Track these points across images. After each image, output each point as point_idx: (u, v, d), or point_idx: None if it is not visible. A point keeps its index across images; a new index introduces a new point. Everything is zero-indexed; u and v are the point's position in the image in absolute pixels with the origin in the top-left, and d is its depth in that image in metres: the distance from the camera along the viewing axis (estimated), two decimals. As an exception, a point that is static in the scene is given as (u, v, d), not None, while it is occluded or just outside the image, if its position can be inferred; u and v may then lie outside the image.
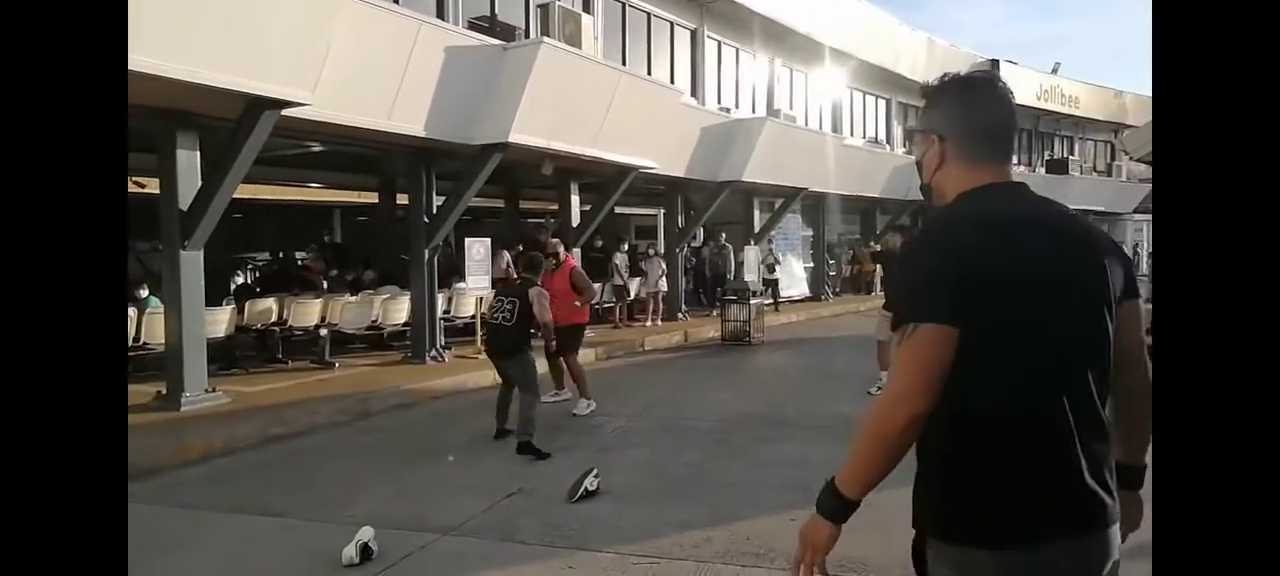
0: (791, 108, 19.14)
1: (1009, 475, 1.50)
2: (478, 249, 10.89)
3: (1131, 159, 15.05)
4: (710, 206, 15.79)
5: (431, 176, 10.43)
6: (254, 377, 9.37)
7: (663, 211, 18.35)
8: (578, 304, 7.97)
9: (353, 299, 10.61)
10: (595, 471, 5.21)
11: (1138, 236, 33.01)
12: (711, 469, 5.83)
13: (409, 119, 8.79)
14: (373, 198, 15.59)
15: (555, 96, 10.01)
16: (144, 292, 9.61)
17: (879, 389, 8.94)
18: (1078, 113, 30.63)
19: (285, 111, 7.15)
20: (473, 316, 11.21)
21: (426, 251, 10.39)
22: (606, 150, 11.31)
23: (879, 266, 13.23)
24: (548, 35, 10.39)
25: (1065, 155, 31.42)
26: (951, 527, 1.54)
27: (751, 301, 13.39)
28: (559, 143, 10.42)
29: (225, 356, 9.80)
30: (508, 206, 19.37)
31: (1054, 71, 30.12)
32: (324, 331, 10.22)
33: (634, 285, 14.79)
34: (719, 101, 17.12)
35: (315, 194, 15.94)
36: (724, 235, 18.23)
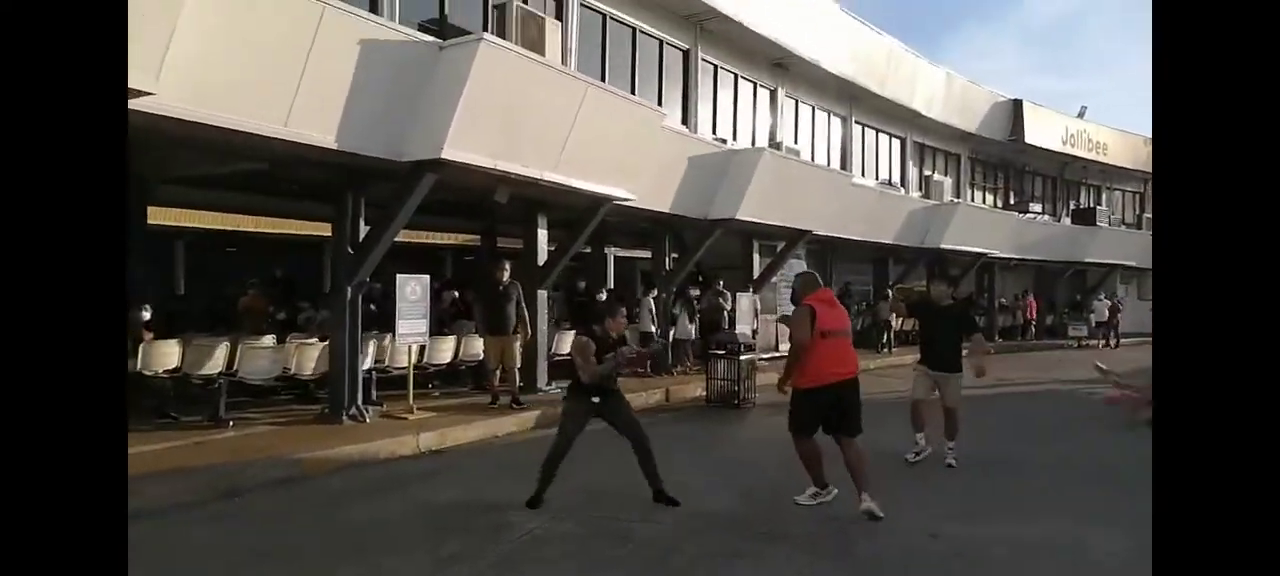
0: (796, 142, 17.54)
1: None
2: (412, 288, 9.22)
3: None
4: (701, 247, 14.10)
5: (358, 200, 8.81)
6: (118, 437, 7.65)
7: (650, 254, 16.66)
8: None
9: (258, 344, 8.93)
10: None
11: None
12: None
13: (315, 126, 7.19)
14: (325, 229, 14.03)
15: (503, 108, 8.41)
16: None
17: (917, 455, 7.35)
18: (1106, 160, 28.87)
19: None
20: (409, 367, 9.52)
21: (349, 289, 8.74)
22: (572, 176, 9.68)
23: (914, 319, 11.30)
24: (505, 39, 8.85)
25: (1093, 205, 29.63)
26: None
27: (742, 357, 11.65)
28: (510, 164, 8.80)
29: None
30: (486, 243, 17.94)
31: (1080, 115, 28.45)
32: (220, 382, 8.53)
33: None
34: (714, 132, 15.53)
35: (257, 224, 14.31)
36: (722, 282, 16.51)
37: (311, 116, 7.03)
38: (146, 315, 9.03)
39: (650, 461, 5.85)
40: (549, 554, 4.92)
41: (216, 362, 8.60)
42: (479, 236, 16.06)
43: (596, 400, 5.79)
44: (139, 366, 8.38)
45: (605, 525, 5.48)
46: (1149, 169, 29.92)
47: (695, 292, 16.94)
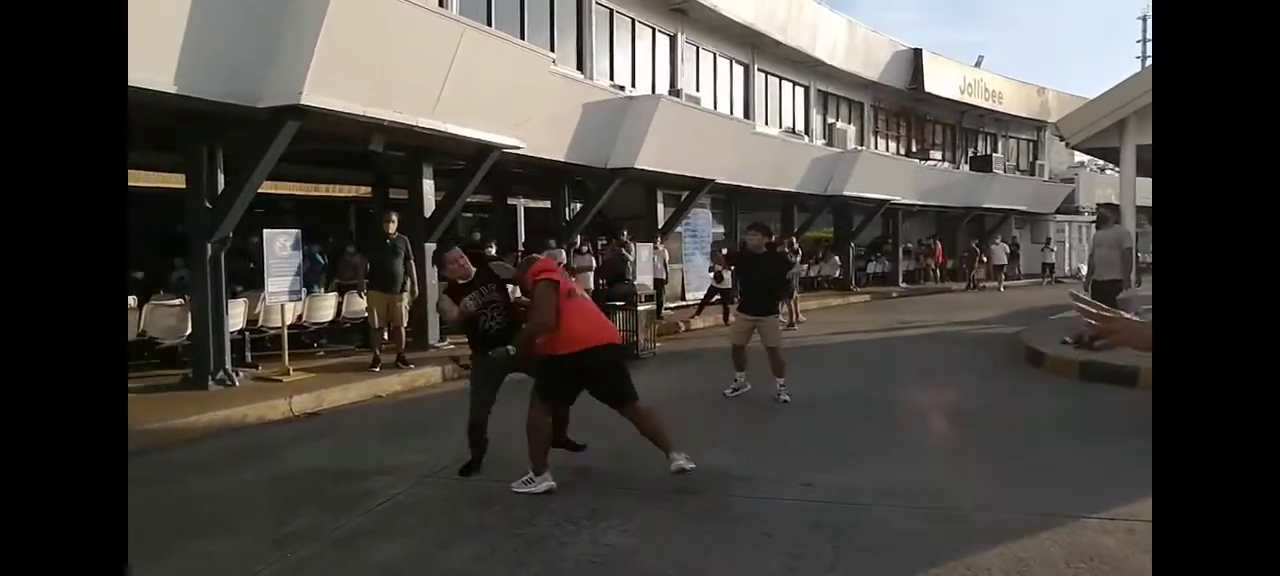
0: (698, 90, 17.30)
1: None
2: (281, 243, 8.64)
3: (1068, 145, 13.62)
4: (599, 198, 13.79)
5: (214, 151, 8.15)
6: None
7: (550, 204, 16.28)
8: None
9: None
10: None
11: (1061, 236, 32.38)
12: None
13: (148, 68, 6.53)
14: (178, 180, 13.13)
15: (370, 50, 7.86)
16: None
17: (734, 391, 7.86)
18: (1001, 109, 29.68)
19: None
20: (283, 327, 8.98)
21: (209, 246, 8.12)
22: (451, 123, 9.19)
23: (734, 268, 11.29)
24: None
25: (989, 152, 30.51)
26: None
27: (641, 308, 11.49)
28: (381, 111, 8.27)
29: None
30: (377, 195, 17.27)
31: (978, 65, 29.10)
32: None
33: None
34: (612, 79, 15.13)
35: (144, 179, 13.21)
36: (625, 232, 16.25)
37: (142, 56, 6.36)
38: None
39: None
40: (406, 522, 4.63)
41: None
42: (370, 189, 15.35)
43: (510, 349, 5.19)
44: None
45: (472, 488, 5.22)
46: (1042, 117, 30.96)
47: (602, 242, 16.69)
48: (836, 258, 23.40)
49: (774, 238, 9.90)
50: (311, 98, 7.38)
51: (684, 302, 17.11)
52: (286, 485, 5.38)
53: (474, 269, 5.52)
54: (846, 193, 20.93)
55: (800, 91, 22.61)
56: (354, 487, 5.23)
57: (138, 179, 12.32)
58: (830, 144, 22.47)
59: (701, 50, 18.25)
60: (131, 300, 8.79)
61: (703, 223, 19.07)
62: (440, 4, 10.58)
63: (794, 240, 19.58)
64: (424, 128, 8.81)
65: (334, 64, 7.45)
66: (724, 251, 11.26)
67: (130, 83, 6.46)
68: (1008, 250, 26.75)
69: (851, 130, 23.98)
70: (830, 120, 23.71)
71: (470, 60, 8.91)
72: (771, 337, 7.73)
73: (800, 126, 22.58)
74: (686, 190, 16.32)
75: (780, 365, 7.67)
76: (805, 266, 21.05)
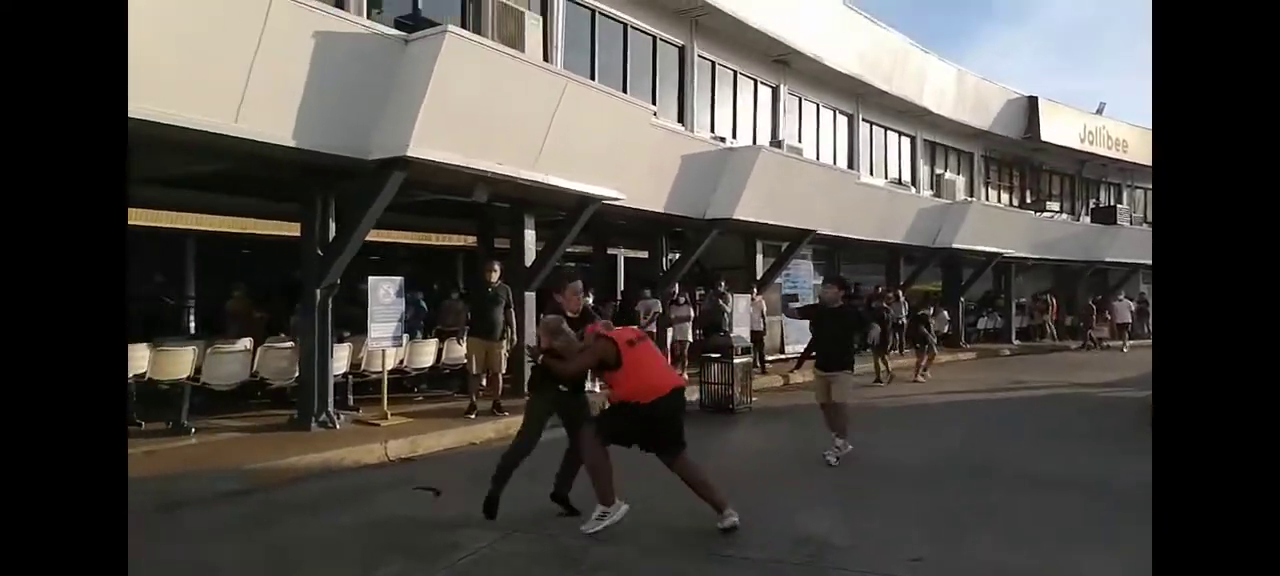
0: (800, 140, 17.09)
1: None
2: (385, 290, 8.90)
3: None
4: (697, 248, 13.70)
5: (327, 201, 8.50)
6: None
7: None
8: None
9: (224, 349, 8.65)
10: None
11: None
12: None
13: (269, 123, 6.89)
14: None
15: (475, 104, 8.07)
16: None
17: (837, 458, 7.35)
18: (1126, 157, 28.09)
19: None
20: (383, 371, 9.20)
21: (319, 291, 8.44)
22: (553, 175, 9.32)
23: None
24: (482, 34, 8.52)
25: (1113, 203, 28.86)
26: None
27: (737, 361, 11.24)
28: (484, 162, 8.45)
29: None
30: (481, 245, 17.76)
31: (1099, 111, 27.70)
32: (184, 388, 8.26)
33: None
34: (712, 130, 15.11)
35: (271, 227, 13.95)
36: (723, 282, 16.08)
37: (264, 113, 6.72)
38: None
39: (574, 470, 5.53)
40: (492, 579, 4.55)
41: (181, 367, 8.32)
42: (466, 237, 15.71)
43: (563, 389, 5.44)
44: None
45: (558, 545, 5.11)
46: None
47: (699, 293, 16.55)
48: (945, 312, 22.41)
49: (850, 290, 9.59)
50: (417, 150, 7.61)
51: (783, 355, 16.71)
52: (376, 532, 5.40)
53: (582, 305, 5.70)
54: (955, 244, 20.15)
55: (907, 141, 22.05)
56: (441, 539, 5.19)
57: (262, 227, 13.09)
58: (938, 194, 21.74)
59: (804, 101, 18.07)
60: (245, 343, 9.22)
61: (804, 274, 18.69)
62: (545, 59, 10.82)
63: (900, 293, 18.95)
64: (525, 179, 8.96)
65: (439, 117, 7.68)
66: (795, 305, 10.87)
67: (254, 137, 6.87)
68: (1134, 307, 24.98)
69: (960, 180, 23.16)
70: (938, 170, 22.98)
71: (571, 113, 9.04)
72: (839, 393, 7.58)
73: (907, 177, 21.97)
74: (787, 241, 16.06)
75: (841, 424, 7.53)
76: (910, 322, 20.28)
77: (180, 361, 8.34)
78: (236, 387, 8.82)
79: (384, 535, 5.33)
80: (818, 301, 9.71)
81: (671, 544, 5.10)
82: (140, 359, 8.26)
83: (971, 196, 23.10)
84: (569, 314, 5.67)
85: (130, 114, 5.84)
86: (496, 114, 8.37)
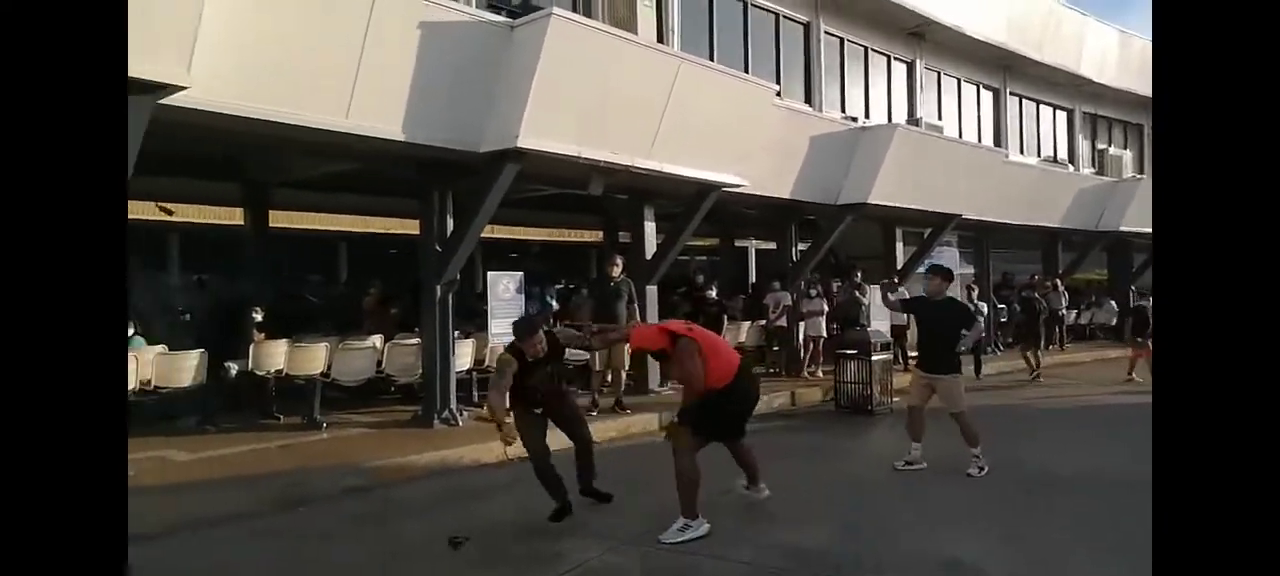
0: (940, 117, 15.92)
1: None
2: (505, 285, 8.79)
3: None
4: (830, 236, 12.94)
5: (444, 196, 8.46)
6: (212, 441, 7.67)
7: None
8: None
9: (353, 346, 8.78)
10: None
11: None
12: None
13: (378, 116, 6.85)
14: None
15: (585, 90, 7.79)
16: (128, 331, 8.27)
17: (907, 464, 6.82)
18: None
19: (163, 100, 5.35)
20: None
21: (438, 287, 8.40)
22: (669, 162, 8.92)
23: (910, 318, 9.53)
24: (592, 19, 8.24)
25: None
26: None
27: (875, 358, 10.46)
28: (596, 151, 8.16)
29: (201, 409, 8.24)
30: (724, 245, 17.73)
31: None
32: (316, 383, 8.43)
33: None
34: (843, 110, 14.25)
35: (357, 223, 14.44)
36: (859, 273, 15.17)
37: (371, 107, 6.68)
38: (258, 316, 9.08)
39: (588, 456, 5.63)
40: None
41: (315, 363, 8.51)
42: (600, 232, 15.70)
43: (538, 412, 5.47)
44: (251, 366, 8.46)
45: (669, 560, 4.70)
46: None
47: (836, 284, 15.69)
48: (1111, 302, 20.36)
49: (955, 279, 8.63)
50: (527, 140, 7.40)
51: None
52: (481, 536, 5.16)
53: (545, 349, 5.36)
54: (1122, 228, 18.22)
55: (1062, 115, 20.19)
56: (545, 548, 4.90)
57: (406, 227, 13.46)
58: (1101, 172, 19.78)
59: (943, 76, 16.83)
60: (374, 340, 9.37)
61: (949, 262, 17.40)
62: (659, 41, 10.44)
63: (1058, 281, 17.34)
64: (640, 168, 8.61)
65: (549, 106, 7.44)
66: (894, 297, 9.01)
67: (362, 132, 6.85)
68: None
69: (1128, 155, 21.01)
70: (1100, 145, 20.93)
71: (687, 96, 8.61)
72: (952, 402, 6.71)
73: (1063, 154, 20.12)
74: (929, 227, 14.97)
75: (971, 433, 6.65)
76: (1074, 313, 18.57)
77: (314, 358, 8.53)
78: (364, 383, 8.97)
79: (487, 541, 5.08)
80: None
81: (789, 563, 4.58)
82: (279, 355, 8.52)
83: (1141, 173, 20.91)
84: (530, 358, 5.29)
85: (240, 113, 5.97)
86: (608, 100, 8.06)
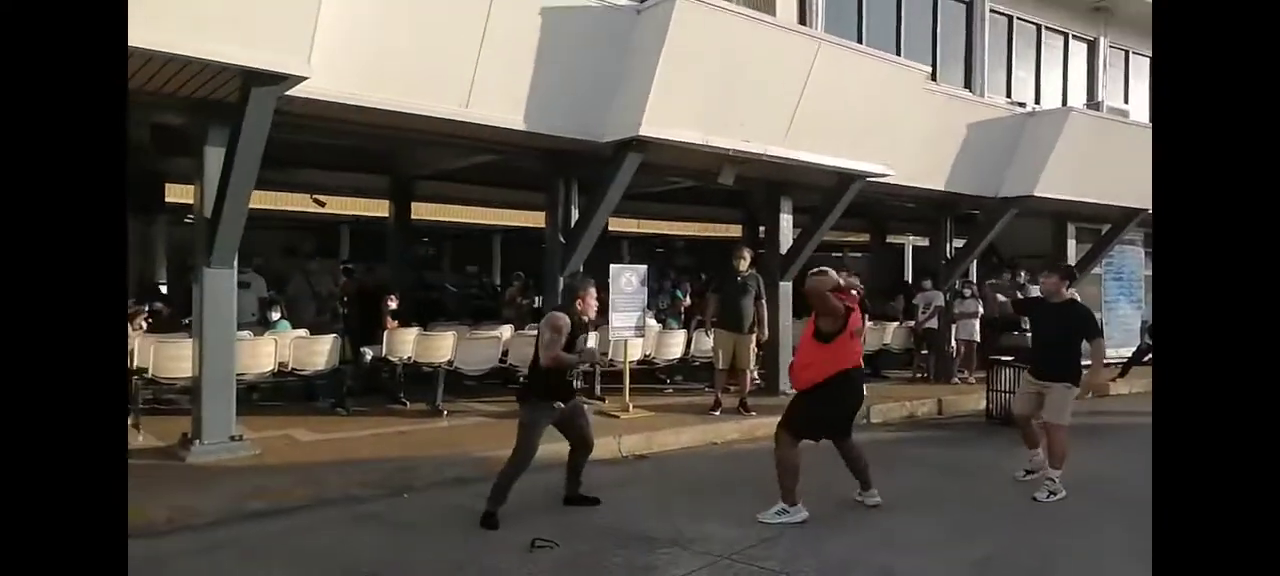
0: (1127, 101, 14.27)
1: None
2: (627, 279, 8.57)
3: None
4: (989, 232, 11.87)
5: (569, 185, 8.35)
6: (339, 423, 7.94)
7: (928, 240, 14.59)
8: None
9: (476, 335, 8.87)
10: None
11: None
12: None
13: (499, 106, 6.78)
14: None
15: (714, 75, 7.40)
16: (275, 315, 8.75)
17: (1027, 474, 6.51)
18: None
19: (286, 91, 5.47)
20: (633, 362, 8.91)
21: (561, 277, 8.31)
22: (806, 151, 8.38)
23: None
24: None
25: None
26: None
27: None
28: (725, 139, 7.76)
29: (334, 393, 8.58)
30: (874, 241, 17.45)
31: None
32: (439, 371, 8.58)
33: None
34: (1009, 94, 13.00)
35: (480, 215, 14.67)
36: (1024, 273, 13.86)
37: (492, 97, 6.60)
38: (392, 304, 9.37)
39: (584, 458, 5.63)
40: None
41: (441, 352, 8.66)
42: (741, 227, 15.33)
43: (560, 405, 5.36)
44: (384, 353, 8.73)
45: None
46: None
47: (989, 282, 14.45)
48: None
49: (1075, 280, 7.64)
50: (650, 128, 7.12)
51: (1107, 361, 14.06)
52: (576, 542, 4.94)
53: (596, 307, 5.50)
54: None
55: None
56: (639, 558, 4.62)
57: (538, 220, 13.63)
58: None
59: (1132, 55, 15.06)
60: (505, 330, 9.45)
61: (1130, 264, 15.65)
62: (801, 22, 9.85)
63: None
64: (773, 156, 8.13)
65: (675, 92, 7.12)
66: (1003, 298, 8.16)
67: (483, 121, 6.81)
68: None
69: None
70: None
71: (826, 80, 8.03)
72: (1054, 412, 6.11)
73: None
74: (1108, 223, 13.47)
75: (1058, 453, 6.07)
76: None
77: (440, 346, 8.68)
78: (490, 372, 9.05)
79: (581, 547, 4.85)
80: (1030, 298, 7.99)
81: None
82: (408, 342, 8.73)
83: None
84: (585, 318, 5.37)
85: (361, 104, 6.04)
86: (739, 85, 7.63)
